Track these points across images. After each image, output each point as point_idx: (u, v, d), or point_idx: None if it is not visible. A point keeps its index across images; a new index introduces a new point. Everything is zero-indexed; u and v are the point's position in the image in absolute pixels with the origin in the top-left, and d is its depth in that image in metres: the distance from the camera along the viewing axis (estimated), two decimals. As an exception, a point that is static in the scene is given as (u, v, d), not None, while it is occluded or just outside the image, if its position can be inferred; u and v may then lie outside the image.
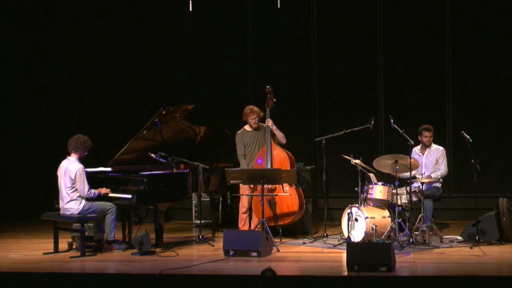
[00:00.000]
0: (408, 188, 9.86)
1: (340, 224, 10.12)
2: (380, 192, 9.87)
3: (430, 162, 10.49)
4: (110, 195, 9.70)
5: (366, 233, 9.55)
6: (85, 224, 9.50)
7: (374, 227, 9.56)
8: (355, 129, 10.48)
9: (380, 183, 9.97)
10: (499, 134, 11.97)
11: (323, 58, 12.47)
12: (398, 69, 12.27)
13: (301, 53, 12.53)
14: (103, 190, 9.68)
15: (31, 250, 9.88)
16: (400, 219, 9.72)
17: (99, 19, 13.10)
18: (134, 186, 9.68)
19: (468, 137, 9.72)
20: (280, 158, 10.36)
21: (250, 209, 10.45)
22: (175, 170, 9.86)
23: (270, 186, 10.12)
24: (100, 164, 10.18)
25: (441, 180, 10.51)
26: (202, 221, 11.16)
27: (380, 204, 9.93)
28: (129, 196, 9.59)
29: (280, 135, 10.46)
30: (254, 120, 10.45)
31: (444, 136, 11.80)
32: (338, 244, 9.76)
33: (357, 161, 10.09)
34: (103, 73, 13.09)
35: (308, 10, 12.46)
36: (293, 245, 10.00)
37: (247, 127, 10.59)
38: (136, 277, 8.33)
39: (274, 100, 10.41)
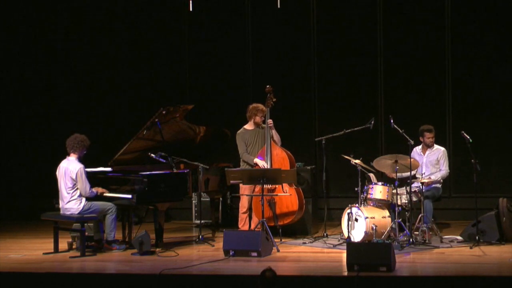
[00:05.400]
0: (408, 188, 9.86)
1: (340, 224, 10.12)
2: (380, 192, 9.86)
3: (431, 162, 10.48)
4: (110, 195, 9.70)
5: (366, 233, 9.55)
6: (85, 224, 9.50)
7: (374, 227, 9.55)
8: (355, 129, 10.48)
9: (380, 183, 9.97)
10: (499, 134, 11.96)
11: (323, 57, 12.46)
12: (398, 69, 12.26)
13: (301, 53, 12.53)
14: (100, 190, 9.69)
15: (31, 250, 9.88)
16: (400, 219, 9.72)
17: (99, 18, 13.09)
18: (134, 186, 9.68)
19: (468, 137, 9.71)
20: (280, 158, 10.35)
21: (250, 209, 10.44)
22: (175, 170, 9.86)
23: (270, 186, 10.12)
24: (100, 164, 10.17)
25: (441, 180, 10.50)
26: (202, 221, 11.16)
27: (380, 204, 9.93)
28: (129, 196, 9.58)
29: (277, 137, 10.45)
30: (262, 118, 10.44)
31: (444, 136, 11.79)
32: (338, 244, 9.76)
33: (357, 161, 10.08)
34: (103, 73, 13.08)
35: (308, 9, 12.45)
36: (293, 245, 10.00)
37: (247, 126, 10.57)
38: (136, 277, 8.32)
39: (274, 99, 10.39)
